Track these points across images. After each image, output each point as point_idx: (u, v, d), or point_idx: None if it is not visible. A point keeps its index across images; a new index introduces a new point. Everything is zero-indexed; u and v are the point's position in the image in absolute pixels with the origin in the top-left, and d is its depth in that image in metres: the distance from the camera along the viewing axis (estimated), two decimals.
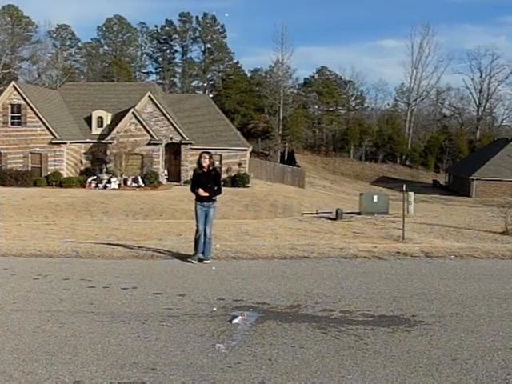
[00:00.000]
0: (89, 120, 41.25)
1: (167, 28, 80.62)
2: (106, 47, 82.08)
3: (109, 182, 37.27)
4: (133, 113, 39.21)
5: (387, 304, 5.97)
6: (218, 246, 9.08)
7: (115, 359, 4.32)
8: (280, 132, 66.14)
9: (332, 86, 77.47)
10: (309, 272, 7.66)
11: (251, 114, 69.14)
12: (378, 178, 66.77)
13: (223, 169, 39.82)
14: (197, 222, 8.59)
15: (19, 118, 38.08)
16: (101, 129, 40.76)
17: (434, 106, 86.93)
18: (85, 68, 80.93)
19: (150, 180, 38.04)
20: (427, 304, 5.98)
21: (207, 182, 8.48)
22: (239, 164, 41.04)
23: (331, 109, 78.88)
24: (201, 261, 8.35)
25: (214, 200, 8.56)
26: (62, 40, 78.52)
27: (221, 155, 39.35)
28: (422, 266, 8.20)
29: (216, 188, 8.59)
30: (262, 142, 70.41)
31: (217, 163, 8.01)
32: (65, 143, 38.30)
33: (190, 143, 40.03)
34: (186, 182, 36.11)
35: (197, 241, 8.51)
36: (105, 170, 38.87)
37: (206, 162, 8.52)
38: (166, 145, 40.45)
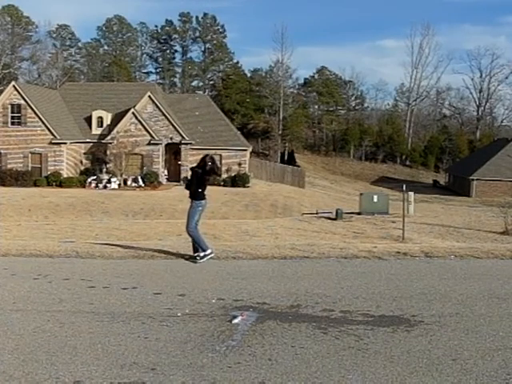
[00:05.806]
0: (89, 120, 41.25)
1: (167, 28, 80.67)
2: (106, 47, 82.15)
3: (109, 182, 37.30)
4: (133, 113, 39.21)
5: (387, 304, 5.97)
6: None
7: (115, 359, 4.32)
8: (280, 132, 66.15)
9: (332, 85, 77.52)
10: (309, 272, 7.65)
11: (251, 114, 69.14)
12: (378, 177, 66.78)
13: (223, 169, 39.83)
14: None
15: (19, 117, 38.10)
16: (101, 129, 40.77)
17: (434, 106, 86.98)
18: (85, 68, 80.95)
19: (149, 180, 38.06)
20: (427, 304, 5.97)
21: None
22: (239, 164, 41.05)
23: (331, 109, 78.94)
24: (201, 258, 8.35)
25: (193, 198, 8.54)
26: (62, 40, 78.55)
27: (221, 155, 39.36)
28: (421, 265, 8.19)
29: (190, 185, 8.59)
30: (262, 141, 70.42)
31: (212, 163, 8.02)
32: (65, 143, 38.31)
33: (190, 143, 40.04)
34: None
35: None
36: (105, 170, 38.90)
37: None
38: (166, 145, 40.46)
